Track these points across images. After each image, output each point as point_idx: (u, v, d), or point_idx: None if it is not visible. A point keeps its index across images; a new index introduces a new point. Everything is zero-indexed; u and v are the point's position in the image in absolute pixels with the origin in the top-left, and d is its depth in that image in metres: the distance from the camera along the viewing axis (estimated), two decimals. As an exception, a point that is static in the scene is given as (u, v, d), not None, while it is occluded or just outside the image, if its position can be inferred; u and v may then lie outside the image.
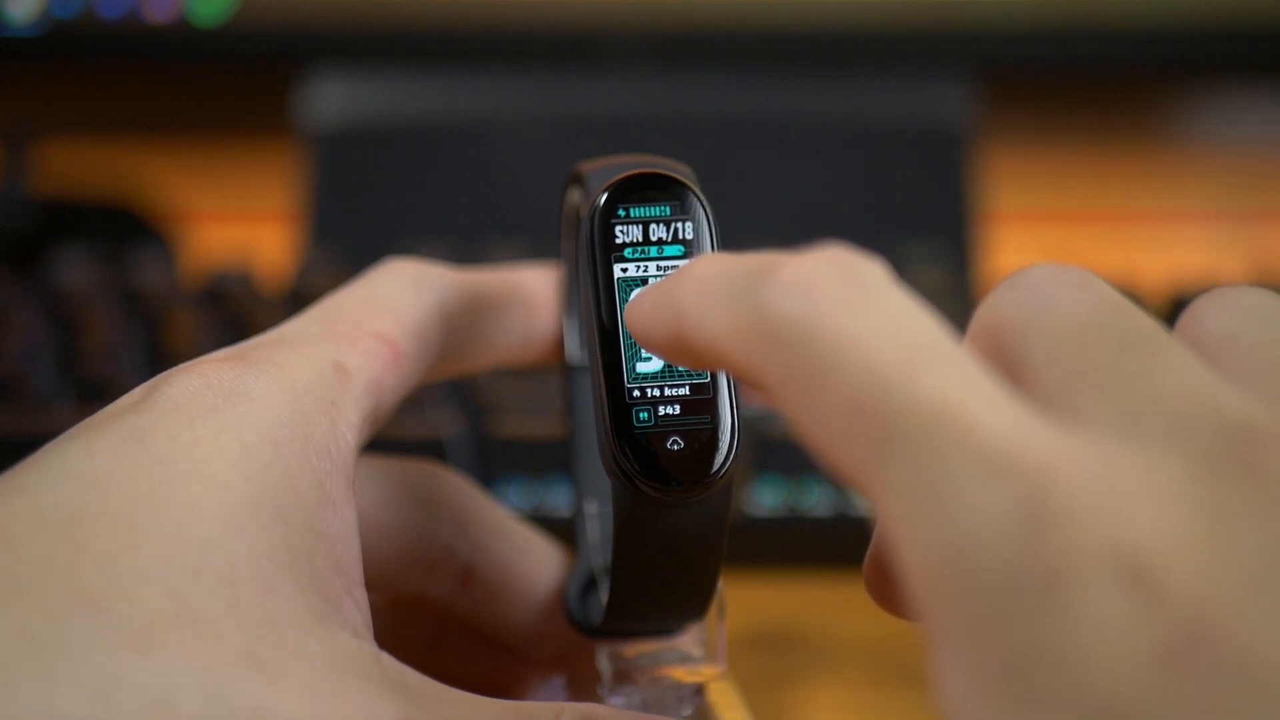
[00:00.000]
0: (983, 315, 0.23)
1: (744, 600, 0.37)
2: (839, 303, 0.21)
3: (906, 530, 0.19)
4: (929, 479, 0.19)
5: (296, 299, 0.56)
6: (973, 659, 0.18)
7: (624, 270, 0.28)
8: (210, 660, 0.24)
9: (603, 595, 0.31)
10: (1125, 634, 0.18)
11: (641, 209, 0.28)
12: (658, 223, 0.28)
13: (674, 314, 0.24)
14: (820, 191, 0.67)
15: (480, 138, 0.68)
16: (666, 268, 0.28)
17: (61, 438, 0.27)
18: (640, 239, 0.28)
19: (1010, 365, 0.22)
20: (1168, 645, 0.17)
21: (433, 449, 0.47)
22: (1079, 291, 0.22)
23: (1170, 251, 0.74)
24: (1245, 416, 0.20)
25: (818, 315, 0.21)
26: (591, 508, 0.34)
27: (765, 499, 0.48)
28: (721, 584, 0.31)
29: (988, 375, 0.20)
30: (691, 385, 0.28)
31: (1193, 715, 0.17)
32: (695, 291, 0.23)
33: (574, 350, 0.35)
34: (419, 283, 0.32)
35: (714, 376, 0.28)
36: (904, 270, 0.58)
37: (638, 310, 0.25)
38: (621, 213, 0.28)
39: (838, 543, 0.46)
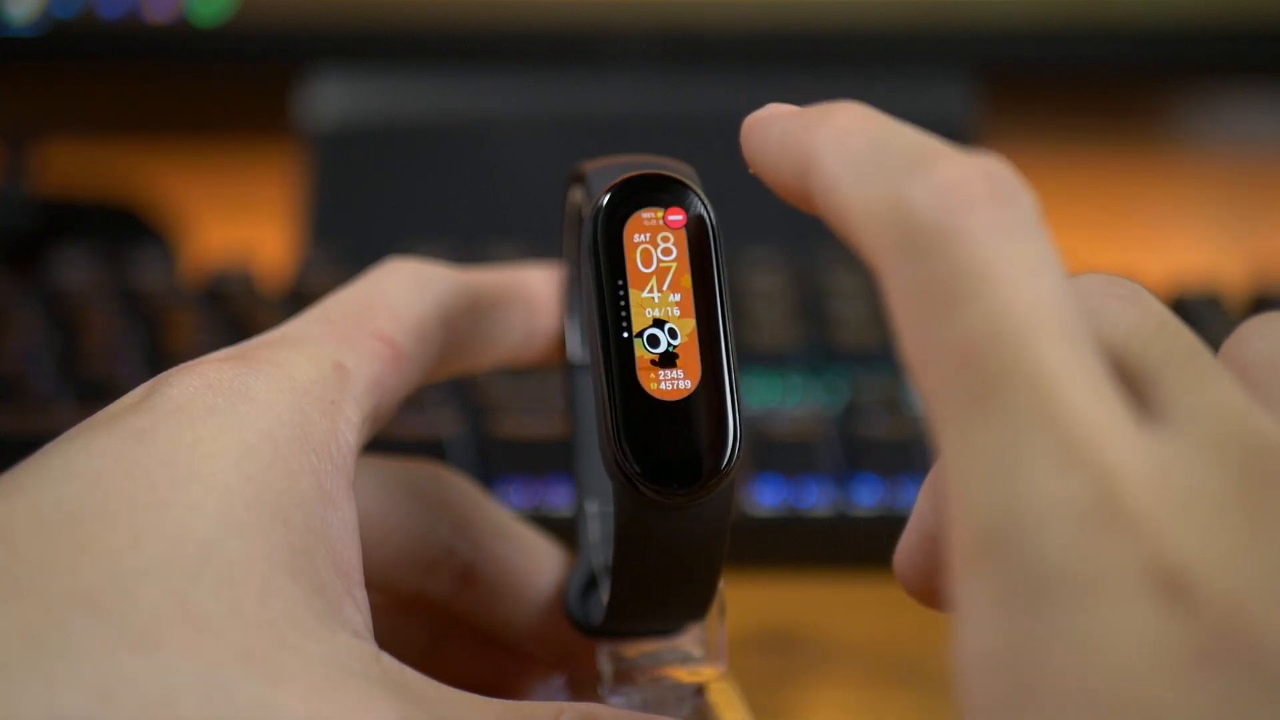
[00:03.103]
0: None
1: (744, 600, 0.37)
2: (987, 225, 0.21)
3: (970, 490, 0.20)
4: (1009, 449, 0.19)
5: (296, 299, 0.56)
6: (1002, 633, 0.19)
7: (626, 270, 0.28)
8: (210, 660, 0.24)
9: (603, 595, 0.31)
10: (1157, 638, 0.18)
11: (644, 209, 0.28)
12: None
13: (805, 162, 0.23)
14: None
15: (480, 138, 0.68)
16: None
17: (62, 438, 0.27)
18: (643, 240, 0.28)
19: None
20: (1197, 651, 0.18)
21: (433, 449, 0.47)
22: (1128, 305, 0.23)
23: (1170, 252, 0.74)
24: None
25: (964, 232, 0.20)
26: (592, 507, 0.34)
27: (765, 499, 0.48)
28: (722, 584, 0.31)
29: (1099, 360, 0.20)
30: (694, 387, 0.28)
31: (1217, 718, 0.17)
32: (835, 149, 0.22)
33: (575, 349, 0.35)
34: (419, 282, 0.32)
35: (717, 377, 0.28)
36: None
37: (761, 136, 0.24)
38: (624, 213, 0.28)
39: (838, 543, 0.46)
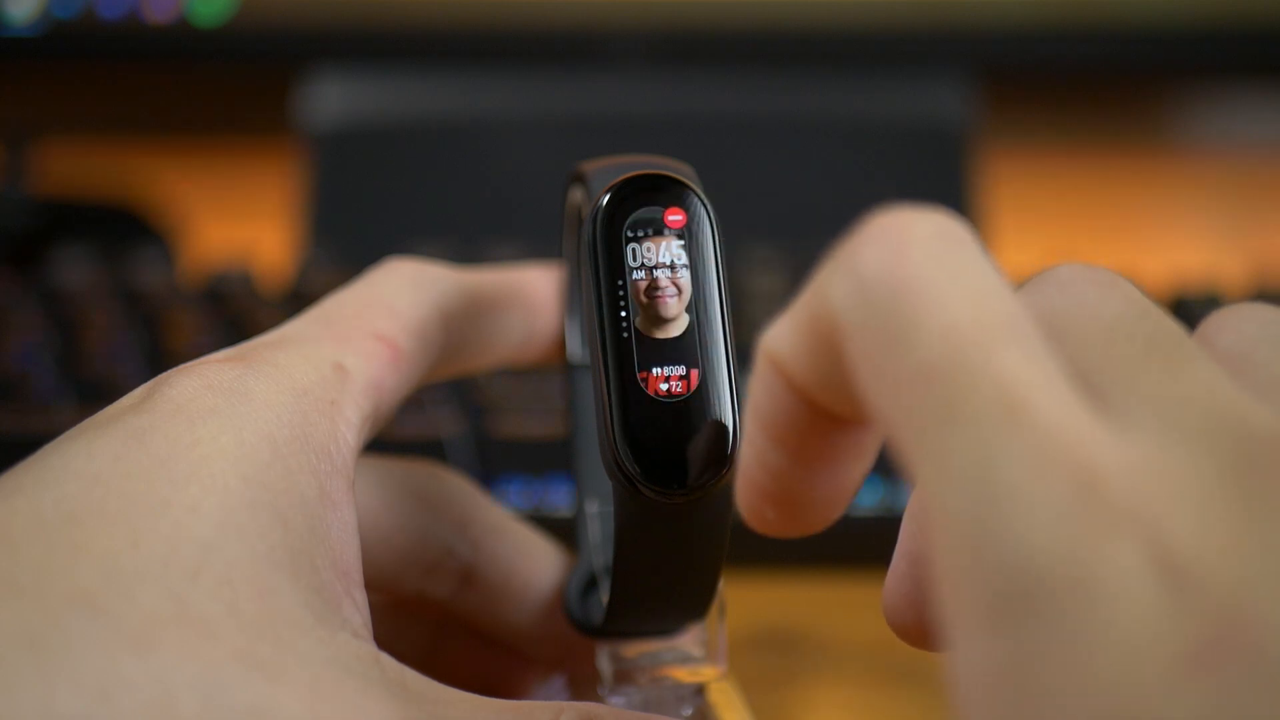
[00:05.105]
0: None
1: (744, 600, 0.37)
2: (927, 258, 0.21)
3: (948, 504, 0.19)
4: (982, 456, 0.19)
5: (296, 299, 0.56)
6: (994, 649, 0.18)
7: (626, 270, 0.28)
8: (208, 660, 0.24)
9: (603, 595, 0.31)
10: (1157, 632, 0.18)
11: (644, 210, 0.28)
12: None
13: (818, 301, 0.23)
14: (820, 191, 0.67)
15: (480, 138, 0.68)
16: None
17: (62, 438, 0.27)
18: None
19: None
20: (1198, 644, 0.17)
21: (433, 449, 0.47)
22: (1107, 291, 0.22)
23: (1170, 252, 0.74)
24: (1269, 426, 0.20)
25: (905, 268, 0.21)
26: (592, 507, 0.34)
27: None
28: (722, 584, 0.31)
29: (1056, 364, 0.20)
30: (694, 387, 0.28)
31: (1221, 714, 0.17)
32: (828, 270, 0.23)
33: (575, 349, 0.35)
34: (419, 283, 0.32)
35: (716, 378, 0.28)
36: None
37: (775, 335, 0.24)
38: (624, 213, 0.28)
39: (838, 543, 0.46)
